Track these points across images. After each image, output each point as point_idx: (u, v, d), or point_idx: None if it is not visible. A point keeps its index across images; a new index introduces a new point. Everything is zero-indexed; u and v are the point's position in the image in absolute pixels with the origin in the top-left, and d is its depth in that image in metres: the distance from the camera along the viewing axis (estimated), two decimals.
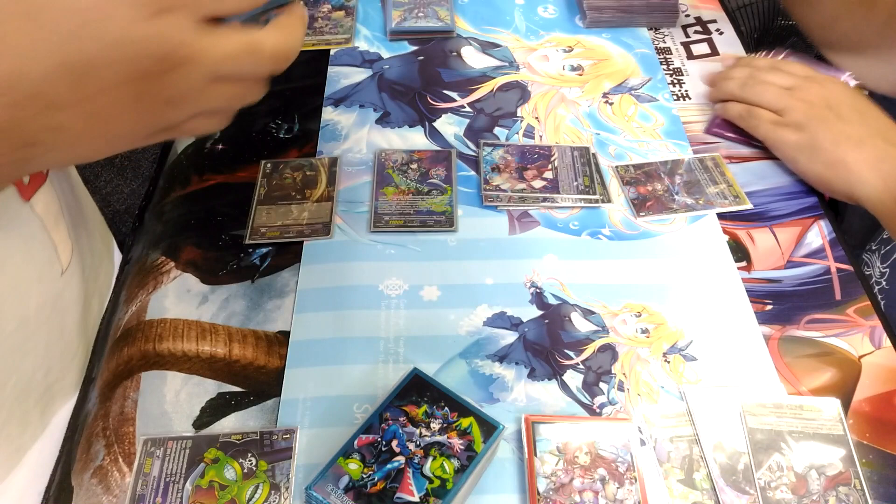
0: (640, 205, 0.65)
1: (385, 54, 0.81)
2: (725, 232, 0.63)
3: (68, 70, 0.31)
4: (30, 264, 0.52)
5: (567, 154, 0.69)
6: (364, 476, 0.44)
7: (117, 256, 0.71)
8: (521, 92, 0.76)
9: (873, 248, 0.74)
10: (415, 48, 0.82)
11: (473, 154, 0.69)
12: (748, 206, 0.65)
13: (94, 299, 0.63)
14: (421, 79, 0.78)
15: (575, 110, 0.74)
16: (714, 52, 0.82)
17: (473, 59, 0.80)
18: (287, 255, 0.61)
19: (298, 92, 0.69)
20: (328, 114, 0.74)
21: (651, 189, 0.66)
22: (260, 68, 0.37)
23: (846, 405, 0.51)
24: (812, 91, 0.65)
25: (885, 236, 0.73)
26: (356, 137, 0.71)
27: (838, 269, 0.61)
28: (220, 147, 0.71)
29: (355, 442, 0.46)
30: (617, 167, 0.68)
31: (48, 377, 0.55)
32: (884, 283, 0.69)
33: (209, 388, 0.53)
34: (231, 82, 0.36)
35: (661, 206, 0.65)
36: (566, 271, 0.60)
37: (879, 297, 0.65)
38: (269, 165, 0.68)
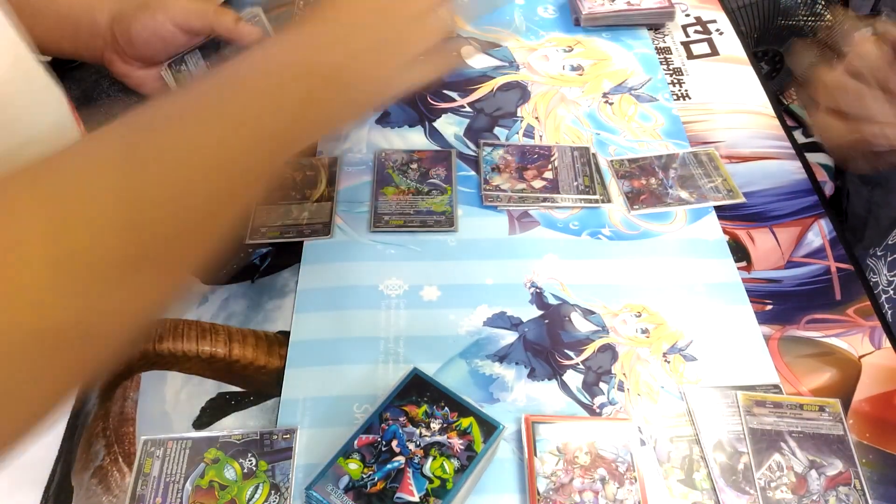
0: (634, 198, 0.65)
1: None
2: (725, 232, 0.63)
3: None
4: None
5: (567, 154, 0.69)
6: (364, 476, 0.44)
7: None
8: (521, 92, 0.76)
9: (878, 253, 0.73)
10: None
11: (473, 154, 0.69)
12: (741, 199, 0.65)
13: None
14: None
15: (575, 110, 0.74)
16: (714, 51, 0.82)
17: (473, 59, 0.80)
18: (287, 255, 0.61)
19: None
20: None
21: (645, 183, 0.66)
22: None
23: (846, 405, 0.51)
24: None
25: (890, 242, 0.72)
26: (356, 137, 0.71)
27: (838, 269, 0.61)
28: None
29: (355, 442, 0.46)
30: (612, 161, 0.68)
31: None
32: (892, 291, 0.68)
33: (209, 388, 0.53)
34: None
35: (654, 200, 0.65)
36: (566, 271, 0.60)
37: (886, 306, 0.64)
38: None
